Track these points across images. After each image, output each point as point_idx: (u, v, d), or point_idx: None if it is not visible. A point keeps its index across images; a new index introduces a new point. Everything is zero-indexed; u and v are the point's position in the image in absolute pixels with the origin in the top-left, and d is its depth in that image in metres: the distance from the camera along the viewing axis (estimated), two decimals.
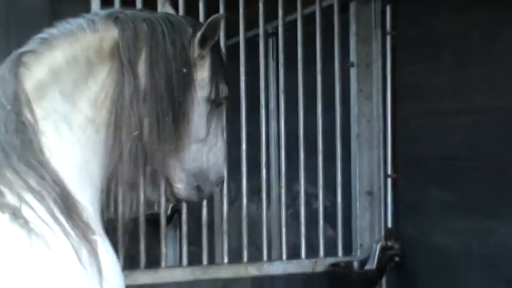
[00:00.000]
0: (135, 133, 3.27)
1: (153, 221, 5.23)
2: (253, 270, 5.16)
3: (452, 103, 4.73)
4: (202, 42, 3.45)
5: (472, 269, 4.53)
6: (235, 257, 5.26)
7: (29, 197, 2.86)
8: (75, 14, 3.42)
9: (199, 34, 3.44)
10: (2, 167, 2.95)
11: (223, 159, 3.81)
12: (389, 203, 5.32)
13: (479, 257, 4.45)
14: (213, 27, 3.44)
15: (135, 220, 4.91)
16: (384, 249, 5.18)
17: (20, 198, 2.83)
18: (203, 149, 3.63)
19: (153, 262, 5.02)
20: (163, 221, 5.11)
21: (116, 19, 3.31)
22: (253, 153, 5.32)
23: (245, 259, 5.19)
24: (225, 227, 5.24)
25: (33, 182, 2.92)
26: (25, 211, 2.81)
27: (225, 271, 5.13)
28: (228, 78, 3.75)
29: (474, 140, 4.53)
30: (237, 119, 5.24)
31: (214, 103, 3.59)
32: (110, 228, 4.52)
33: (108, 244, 3.10)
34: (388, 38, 5.30)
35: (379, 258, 5.16)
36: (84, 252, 2.85)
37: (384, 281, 5.31)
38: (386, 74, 5.31)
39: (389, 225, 5.32)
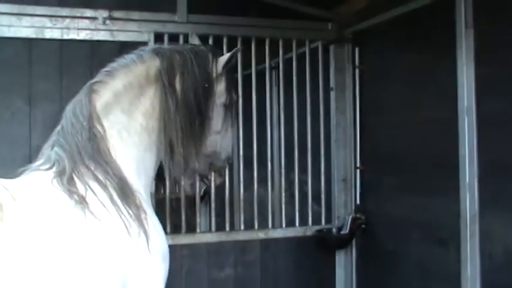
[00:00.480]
0: (177, 134, 3.41)
1: (190, 199, 5.37)
2: (261, 235, 5.31)
3: (401, 117, 4.88)
4: (225, 65, 3.63)
5: (414, 232, 4.68)
6: (249, 225, 5.38)
7: (94, 185, 3.05)
8: None
9: (225, 59, 3.63)
10: (78, 164, 3.10)
11: (231, 143, 3.95)
12: (358, 187, 5.48)
13: (419, 223, 4.62)
14: (234, 56, 3.70)
15: (178, 199, 5.18)
16: (354, 220, 5.38)
17: (87, 187, 3.02)
18: (217, 137, 3.75)
19: (191, 228, 5.16)
20: (197, 199, 5.28)
21: (157, 52, 3.47)
22: (261, 152, 5.42)
23: (256, 227, 5.33)
24: (241, 204, 5.47)
25: (99, 175, 3.10)
26: (89, 195, 2.97)
27: (242, 235, 5.29)
28: (237, 89, 4.06)
29: (415, 142, 4.69)
30: (249, 127, 5.37)
31: (228, 107, 3.75)
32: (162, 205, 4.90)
33: (156, 220, 3.24)
34: (357, 70, 5.47)
35: (351, 226, 5.37)
36: (134, 226, 3.02)
37: (354, 241, 5.48)
38: (355, 96, 5.49)
39: (358, 202, 5.47)
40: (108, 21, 4.84)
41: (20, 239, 2.67)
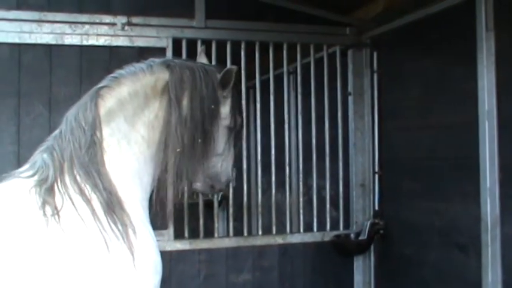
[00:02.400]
0: (178, 150, 3.32)
1: (208, 204, 5.37)
2: (279, 240, 5.28)
3: (420, 121, 4.85)
4: (222, 86, 3.50)
5: (433, 237, 4.64)
6: (266, 230, 5.34)
7: (76, 197, 2.90)
8: None
9: (218, 79, 3.48)
10: (64, 174, 2.98)
11: (231, 166, 3.82)
12: (377, 192, 5.46)
13: (438, 229, 4.59)
14: (229, 75, 3.48)
15: (196, 204, 5.17)
16: (372, 225, 5.35)
17: (66, 198, 2.88)
18: (218, 160, 3.66)
19: (209, 233, 5.17)
20: (215, 204, 5.26)
21: (168, 65, 3.38)
22: (279, 156, 5.38)
23: (274, 232, 5.33)
24: (259, 209, 5.35)
25: (86, 187, 2.95)
26: (66, 208, 2.84)
27: (260, 240, 5.25)
28: (241, 112, 3.93)
29: (433, 146, 4.67)
30: (267, 132, 5.34)
31: (232, 129, 3.67)
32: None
33: (148, 234, 3.09)
34: (375, 74, 5.46)
35: (369, 231, 5.35)
36: (116, 242, 2.87)
37: (372, 247, 5.44)
38: (374, 100, 5.47)
39: (376, 207, 5.44)
40: (126, 27, 4.87)
41: None
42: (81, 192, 2.93)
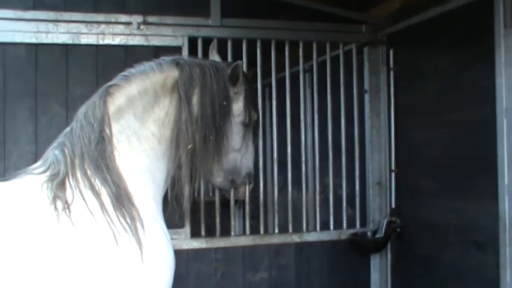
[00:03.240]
0: (189, 147, 3.35)
1: (224, 203, 5.27)
2: (296, 238, 5.26)
3: (437, 118, 4.80)
4: (233, 82, 3.53)
5: (451, 236, 4.60)
6: (283, 229, 5.30)
7: (86, 192, 2.98)
8: None
9: (228, 74, 3.51)
10: (75, 169, 3.05)
11: (252, 160, 3.85)
12: (393, 190, 5.43)
13: (456, 227, 4.55)
14: (237, 70, 3.51)
15: (212, 202, 5.13)
16: (389, 223, 5.32)
17: (77, 193, 2.96)
18: (237, 156, 3.70)
19: (225, 232, 5.16)
20: (232, 202, 5.19)
21: (177, 64, 3.42)
22: (295, 154, 5.34)
23: (290, 230, 5.29)
24: (275, 207, 5.34)
25: (96, 181, 3.03)
26: (76, 202, 2.92)
27: (276, 238, 5.22)
28: (256, 107, 3.89)
29: (452, 144, 4.62)
30: (283, 130, 5.33)
31: (247, 125, 3.68)
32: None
33: (160, 229, 3.13)
34: (391, 72, 5.42)
35: (386, 230, 5.32)
36: (124, 235, 2.92)
37: (388, 245, 5.41)
38: (390, 98, 5.44)
39: (393, 206, 5.41)
40: (142, 26, 4.87)
41: None
42: (91, 187, 3.00)
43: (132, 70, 3.41)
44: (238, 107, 3.61)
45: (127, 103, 3.29)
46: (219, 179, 3.75)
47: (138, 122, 3.30)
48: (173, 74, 3.40)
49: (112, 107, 3.26)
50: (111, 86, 3.33)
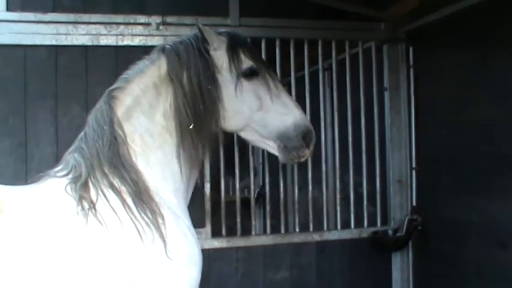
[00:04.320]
0: (190, 126, 3.31)
1: (245, 202, 5.29)
2: (316, 237, 5.25)
3: (458, 116, 4.76)
4: (208, 41, 3.42)
5: (473, 234, 4.57)
6: (303, 227, 5.27)
7: (108, 191, 3.06)
8: None
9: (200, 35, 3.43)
10: (95, 170, 3.12)
11: (295, 113, 3.48)
12: (414, 188, 5.38)
13: (477, 225, 4.51)
14: (203, 28, 3.41)
15: (232, 202, 5.16)
16: (410, 221, 5.27)
17: (99, 192, 3.04)
18: (267, 115, 3.45)
19: (246, 231, 5.15)
20: (252, 202, 5.21)
21: (163, 50, 3.45)
22: (315, 153, 5.04)
23: (311, 229, 5.27)
24: (296, 206, 5.30)
25: (115, 180, 3.10)
26: (100, 201, 2.99)
27: (297, 237, 5.21)
28: (250, 51, 3.53)
29: (473, 142, 4.57)
30: None
31: (246, 77, 3.43)
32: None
33: (183, 224, 3.18)
34: (411, 69, 5.38)
35: (407, 228, 5.26)
36: (148, 231, 2.98)
37: (410, 243, 5.37)
38: (410, 95, 5.40)
39: (414, 203, 5.36)
40: (161, 27, 4.87)
41: (6, 248, 2.69)
42: (112, 185, 3.07)
43: (129, 71, 3.45)
44: (221, 61, 3.46)
45: (133, 102, 3.34)
46: (274, 151, 3.54)
47: (148, 118, 3.34)
48: (163, 61, 3.42)
49: (120, 109, 3.31)
50: (113, 89, 3.39)
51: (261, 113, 3.47)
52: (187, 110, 3.33)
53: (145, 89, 3.36)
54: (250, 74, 3.46)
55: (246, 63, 3.47)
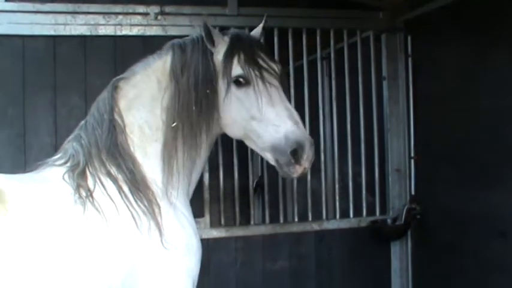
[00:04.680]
0: (173, 124, 3.28)
1: (243, 191, 5.21)
2: (315, 226, 5.24)
3: (456, 105, 4.74)
4: (210, 42, 3.37)
5: (472, 224, 4.57)
6: (302, 217, 5.26)
7: (105, 179, 3.11)
8: None
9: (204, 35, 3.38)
10: (93, 158, 3.17)
11: (286, 125, 3.19)
12: (413, 177, 5.39)
13: (477, 214, 4.51)
14: (205, 27, 3.36)
15: (233, 193, 5.11)
16: (409, 210, 5.28)
17: (97, 180, 3.09)
18: (260, 126, 3.25)
19: (245, 221, 5.18)
20: (251, 191, 5.21)
21: (172, 45, 3.46)
22: (314, 142, 5.29)
23: (310, 218, 5.25)
24: (295, 196, 5.28)
25: (112, 168, 3.16)
26: (97, 189, 3.04)
27: (296, 227, 5.20)
28: (249, 56, 3.34)
29: (472, 132, 4.56)
30: (301, 118, 5.19)
31: (237, 85, 3.30)
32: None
33: (181, 215, 3.22)
34: (410, 59, 5.36)
35: (406, 217, 5.28)
36: (144, 219, 3.03)
37: (409, 232, 5.37)
38: (408, 85, 5.38)
39: (413, 192, 5.36)
40: (160, 17, 4.86)
41: (11, 237, 2.72)
42: (109, 173, 3.13)
43: (139, 63, 3.49)
44: (219, 66, 3.37)
45: (135, 94, 3.38)
46: (273, 163, 3.32)
47: (148, 111, 3.36)
48: (169, 57, 3.43)
49: (122, 99, 3.36)
50: (118, 79, 3.43)
51: (254, 123, 3.29)
52: (178, 108, 3.31)
53: (148, 82, 3.39)
54: (241, 82, 3.31)
55: (237, 70, 3.32)
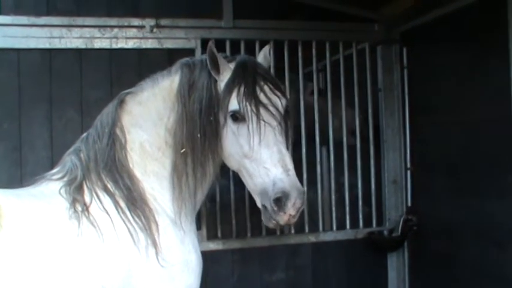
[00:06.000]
0: (182, 151, 3.24)
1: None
2: (312, 238, 5.23)
3: (452, 116, 4.74)
4: (215, 69, 3.27)
5: (468, 234, 4.55)
6: (299, 229, 5.19)
7: (102, 194, 3.08)
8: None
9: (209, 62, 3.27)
10: (91, 171, 3.15)
11: (276, 170, 3.06)
12: (409, 188, 5.39)
13: (473, 225, 4.49)
14: (210, 52, 3.24)
15: (228, 204, 5.05)
16: (405, 221, 5.27)
17: (93, 194, 3.06)
18: (252, 165, 3.15)
19: (242, 233, 5.09)
20: (247, 203, 5.05)
21: (181, 65, 3.37)
22: (310, 154, 5.23)
23: (306, 230, 5.23)
24: None
25: (109, 184, 3.13)
26: (94, 204, 3.02)
27: (293, 239, 5.18)
28: (246, 94, 3.19)
29: (468, 142, 4.56)
30: (298, 130, 5.12)
31: (233, 119, 3.20)
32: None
33: (180, 232, 3.18)
34: (405, 70, 5.37)
35: (402, 228, 5.27)
36: (142, 236, 3.00)
37: (405, 244, 5.36)
38: (404, 96, 5.39)
39: (409, 204, 5.36)
40: (155, 29, 4.85)
41: (7, 251, 2.71)
42: (106, 188, 3.10)
43: (147, 79, 3.44)
44: (220, 96, 3.26)
45: (140, 111, 3.34)
46: (260, 206, 3.20)
47: (151, 130, 3.32)
48: (178, 77, 3.36)
49: (126, 115, 3.33)
50: (125, 93, 3.39)
51: (247, 161, 3.18)
52: (184, 135, 3.25)
53: (155, 101, 3.34)
54: (237, 117, 3.20)
55: (233, 105, 3.20)
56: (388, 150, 5.52)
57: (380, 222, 5.49)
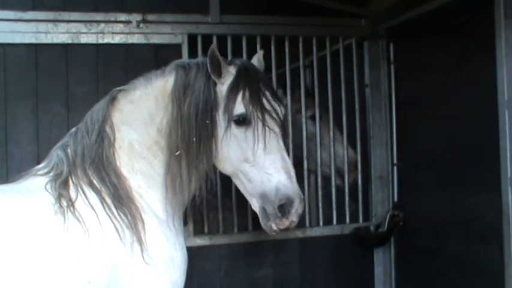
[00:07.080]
0: (177, 153, 3.23)
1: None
2: (299, 234, 5.21)
3: (438, 112, 4.77)
4: (216, 73, 3.26)
5: (454, 229, 4.59)
6: None
7: (87, 189, 3.08)
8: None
9: (209, 64, 3.25)
10: (77, 167, 3.14)
11: (280, 176, 3.15)
12: (395, 183, 5.41)
13: (459, 220, 4.52)
14: (212, 55, 3.21)
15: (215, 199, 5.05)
16: (392, 217, 5.29)
17: (79, 190, 3.06)
18: (252, 170, 3.20)
19: (228, 229, 5.08)
20: (233, 199, 5.05)
21: (176, 66, 3.36)
22: (296, 150, 5.21)
23: None
24: None
25: (95, 181, 3.12)
26: (79, 200, 3.01)
27: (280, 234, 4.55)
28: (252, 98, 3.24)
29: (454, 137, 4.58)
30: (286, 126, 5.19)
31: (237, 123, 3.22)
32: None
33: (166, 229, 3.18)
34: (392, 66, 5.39)
35: (389, 223, 5.29)
36: (127, 233, 3.00)
37: (392, 239, 5.38)
38: (391, 92, 5.40)
39: (396, 199, 5.38)
40: (142, 25, 4.84)
41: None
42: (91, 184, 3.09)
43: (140, 78, 3.42)
44: (221, 100, 3.28)
45: (131, 109, 3.33)
46: (257, 210, 3.29)
47: (141, 129, 3.31)
48: (172, 78, 3.34)
49: (117, 112, 3.32)
50: (118, 90, 3.38)
51: (247, 166, 3.22)
52: (179, 137, 3.23)
53: (147, 100, 3.33)
54: (241, 121, 3.23)
55: (239, 109, 3.23)
56: (374, 146, 5.53)
57: (366, 217, 5.50)
